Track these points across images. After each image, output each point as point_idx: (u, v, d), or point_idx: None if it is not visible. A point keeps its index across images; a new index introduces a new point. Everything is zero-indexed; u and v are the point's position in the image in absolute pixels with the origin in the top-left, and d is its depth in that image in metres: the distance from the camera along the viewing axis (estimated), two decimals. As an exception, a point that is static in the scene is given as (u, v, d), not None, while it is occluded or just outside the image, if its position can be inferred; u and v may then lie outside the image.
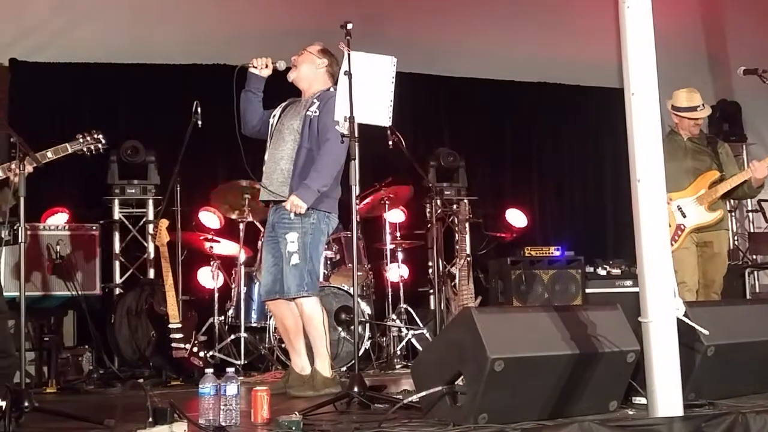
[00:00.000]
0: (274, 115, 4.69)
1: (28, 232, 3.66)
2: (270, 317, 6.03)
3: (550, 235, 7.79)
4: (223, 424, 3.16)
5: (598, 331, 3.26)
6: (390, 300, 6.50)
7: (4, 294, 4.20)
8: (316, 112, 4.47)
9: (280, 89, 4.79)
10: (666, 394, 3.08)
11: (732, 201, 5.46)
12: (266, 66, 4.63)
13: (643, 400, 3.35)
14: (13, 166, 3.91)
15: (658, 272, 3.07)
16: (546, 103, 8.24)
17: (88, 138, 4.26)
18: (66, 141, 4.23)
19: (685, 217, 5.15)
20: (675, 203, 5.12)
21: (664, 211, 3.13)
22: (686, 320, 3.16)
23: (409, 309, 6.57)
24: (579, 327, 3.27)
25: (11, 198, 4.03)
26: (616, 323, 3.37)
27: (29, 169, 3.84)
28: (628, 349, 3.29)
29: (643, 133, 3.08)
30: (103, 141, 4.31)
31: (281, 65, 4.64)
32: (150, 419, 2.92)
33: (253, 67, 4.65)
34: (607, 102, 7.76)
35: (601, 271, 6.95)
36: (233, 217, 6.26)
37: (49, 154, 4.07)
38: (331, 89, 4.48)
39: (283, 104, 4.73)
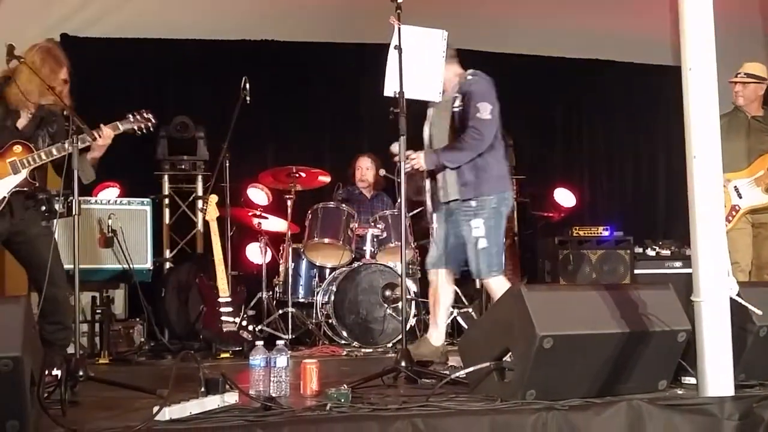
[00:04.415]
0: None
1: (81, 206, 3.71)
2: (317, 293, 6.11)
3: (599, 214, 7.69)
4: (273, 395, 3.20)
5: (648, 310, 3.23)
6: (436, 278, 6.49)
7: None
8: (460, 105, 4.53)
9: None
10: (717, 374, 3.06)
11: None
12: None
13: (692, 380, 3.32)
14: (98, 132, 4.08)
15: (712, 251, 3.03)
16: (597, 81, 8.10)
17: (138, 117, 4.31)
18: (115, 117, 4.29)
19: (741, 198, 5.05)
20: (732, 183, 5.03)
21: (719, 188, 3.08)
22: (739, 300, 3.11)
23: (455, 287, 6.55)
24: (629, 306, 3.24)
25: (90, 171, 4.15)
26: (668, 302, 3.33)
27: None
28: (679, 329, 3.26)
29: (700, 109, 3.03)
30: (153, 120, 4.36)
31: None
32: (202, 389, 2.96)
33: None
34: (659, 80, 7.60)
35: (651, 252, 6.87)
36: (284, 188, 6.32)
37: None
38: (469, 76, 4.56)
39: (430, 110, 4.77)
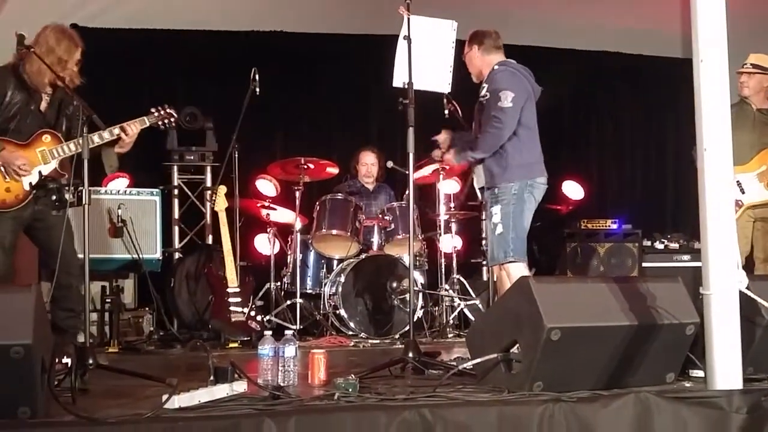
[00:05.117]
0: None
1: (91, 196, 3.73)
2: (325, 284, 6.12)
3: (608, 207, 7.67)
4: (281, 384, 3.21)
5: (657, 303, 3.22)
6: (443, 270, 6.51)
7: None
8: (485, 95, 4.55)
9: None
10: (725, 367, 3.05)
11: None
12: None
13: (699, 373, 3.32)
14: (126, 127, 4.17)
15: (722, 244, 3.02)
16: (606, 73, 8.07)
17: (162, 112, 4.39)
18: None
19: (743, 193, 5.04)
20: (735, 178, 5.01)
21: (729, 181, 3.07)
22: (749, 293, 3.11)
23: (462, 279, 6.57)
24: (638, 298, 3.23)
25: (115, 161, 4.20)
26: (677, 295, 3.32)
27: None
28: (687, 322, 3.25)
29: (711, 102, 3.02)
30: (175, 115, 4.45)
31: None
32: (211, 378, 2.98)
33: None
34: (669, 72, 7.58)
35: (659, 245, 6.83)
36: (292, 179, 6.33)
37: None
38: (496, 66, 4.57)
39: None
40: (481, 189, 4.71)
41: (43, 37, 4.14)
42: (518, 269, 4.46)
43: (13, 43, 4.11)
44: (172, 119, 4.45)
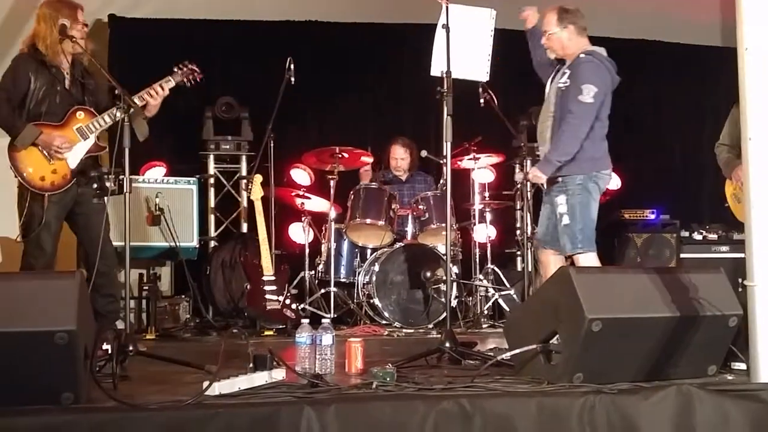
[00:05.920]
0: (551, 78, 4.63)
1: (132, 184, 3.77)
2: (359, 273, 6.13)
3: (645, 197, 7.56)
4: (319, 372, 3.22)
5: (699, 294, 3.18)
6: (477, 260, 6.48)
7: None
8: (566, 82, 4.42)
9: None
10: (769, 359, 3.00)
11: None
12: None
13: (741, 366, 3.27)
14: (152, 91, 4.22)
15: (767, 234, 2.96)
16: (644, 61, 7.94)
17: (185, 69, 4.38)
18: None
19: None
20: None
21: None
22: (794, 285, 3.05)
23: (497, 270, 6.54)
24: (680, 289, 3.19)
25: (145, 128, 4.22)
26: (719, 286, 3.28)
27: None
28: (730, 313, 3.21)
29: (757, 90, 2.96)
30: (198, 71, 4.43)
31: None
32: (250, 365, 2.99)
33: None
34: (708, 61, 7.45)
35: (697, 236, 6.72)
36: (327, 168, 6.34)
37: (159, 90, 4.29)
38: (582, 54, 4.43)
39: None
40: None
41: (42, 14, 4.17)
42: (588, 260, 4.38)
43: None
44: (196, 74, 4.42)
